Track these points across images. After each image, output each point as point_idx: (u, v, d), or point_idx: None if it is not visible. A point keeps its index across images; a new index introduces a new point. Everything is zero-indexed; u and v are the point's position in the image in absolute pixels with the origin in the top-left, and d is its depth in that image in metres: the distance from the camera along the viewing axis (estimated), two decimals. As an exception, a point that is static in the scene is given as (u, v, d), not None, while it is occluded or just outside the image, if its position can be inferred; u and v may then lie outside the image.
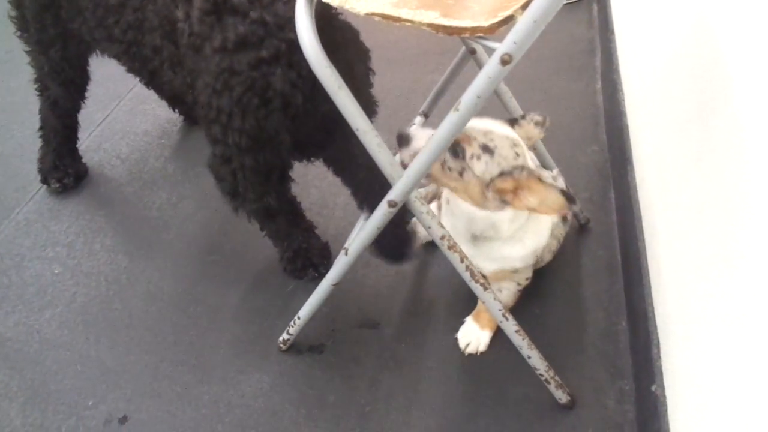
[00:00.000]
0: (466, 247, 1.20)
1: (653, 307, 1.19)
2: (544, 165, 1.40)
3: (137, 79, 2.08)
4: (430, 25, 0.73)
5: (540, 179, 1.03)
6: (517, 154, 1.06)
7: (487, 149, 1.04)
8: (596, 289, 1.37)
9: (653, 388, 1.07)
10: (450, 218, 1.18)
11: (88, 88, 1.60)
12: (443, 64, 2.11)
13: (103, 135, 1.92)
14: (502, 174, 1.04)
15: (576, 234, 1.49)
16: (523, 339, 1.05)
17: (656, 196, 1.29)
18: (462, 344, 1.26)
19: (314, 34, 0.82)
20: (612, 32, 1.97)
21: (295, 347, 1.30)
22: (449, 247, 0.95)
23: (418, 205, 0.91)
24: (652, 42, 1.54)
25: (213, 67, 0.93)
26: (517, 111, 1.31)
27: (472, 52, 1.24)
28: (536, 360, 1.09)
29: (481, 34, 0.72)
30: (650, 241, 1.30)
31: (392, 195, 0.90)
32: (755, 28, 0.87)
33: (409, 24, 0.74)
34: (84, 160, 1.78)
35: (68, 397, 1.24)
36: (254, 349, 1.31)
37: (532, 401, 1.19)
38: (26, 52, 1.51)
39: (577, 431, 1.15)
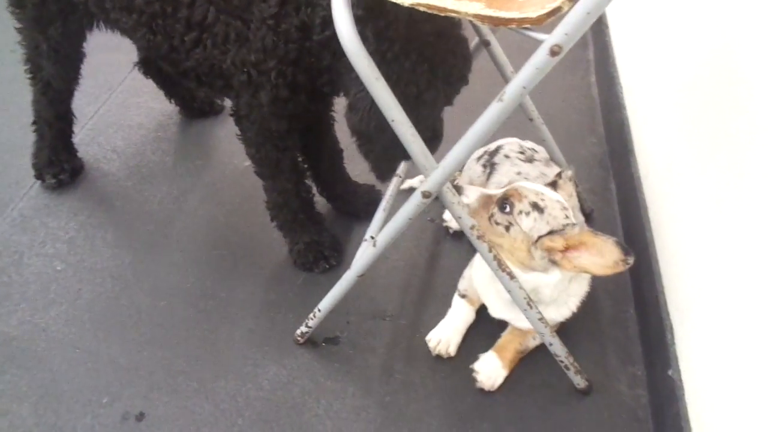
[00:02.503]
0: (506, 309, 1.18)
1: (665, 295, 1.22)
2: (556, 161, 1.42)
3: (129, 69, 2.04)
4: (476, 16, 0.74)
5: (593, 232, 1.03)
6: (567, 216, 1.07)
7: (537, 207, 1.06)
8: (602, 278, 1.40)
9: (669, 372, 1.10)
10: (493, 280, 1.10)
11: (81, 69, 1.53)
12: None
13: (97, 128, 1.87)
14: (551, 233, 1.04)
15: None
16: (545, 327, 1.07)
17: (664, 188, 1.32)
18: (480, 379, 1.20)
19: (351, 23, 0.81)
20: (606, 25, 2.01)
21: (310, 339, 1.29)
22: (478, 237, 0.96)
23: (450, 196, 0.92)
24: (652, 33, 1.57)
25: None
26: (534, 111, 1.32)
27: (486, 44, 1.24)
28: (557, 347, 1.11)
29: (528, 25, 0.73)
30: (658, 230, 1.33)
31: (426, 186, 0.90)
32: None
33: (454, 15, 0.75)
34: (78, 155, 1.73)
35: (81, 395, 1.22)
36: (269, 342, 1.30)
37: (549, 387, 1.22)
38: (17, 29, 1.43)
39: (593, 415, 1.18)
